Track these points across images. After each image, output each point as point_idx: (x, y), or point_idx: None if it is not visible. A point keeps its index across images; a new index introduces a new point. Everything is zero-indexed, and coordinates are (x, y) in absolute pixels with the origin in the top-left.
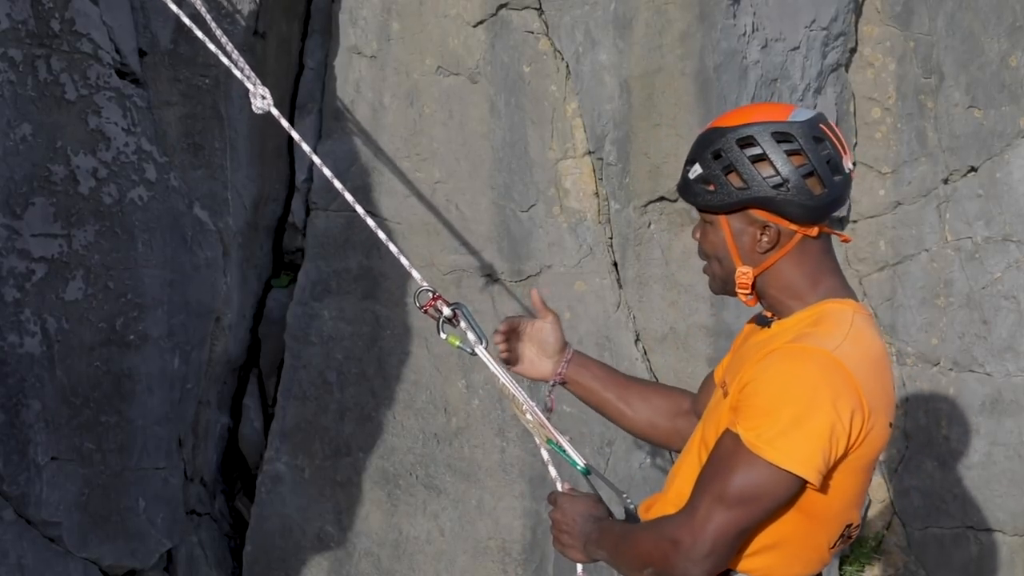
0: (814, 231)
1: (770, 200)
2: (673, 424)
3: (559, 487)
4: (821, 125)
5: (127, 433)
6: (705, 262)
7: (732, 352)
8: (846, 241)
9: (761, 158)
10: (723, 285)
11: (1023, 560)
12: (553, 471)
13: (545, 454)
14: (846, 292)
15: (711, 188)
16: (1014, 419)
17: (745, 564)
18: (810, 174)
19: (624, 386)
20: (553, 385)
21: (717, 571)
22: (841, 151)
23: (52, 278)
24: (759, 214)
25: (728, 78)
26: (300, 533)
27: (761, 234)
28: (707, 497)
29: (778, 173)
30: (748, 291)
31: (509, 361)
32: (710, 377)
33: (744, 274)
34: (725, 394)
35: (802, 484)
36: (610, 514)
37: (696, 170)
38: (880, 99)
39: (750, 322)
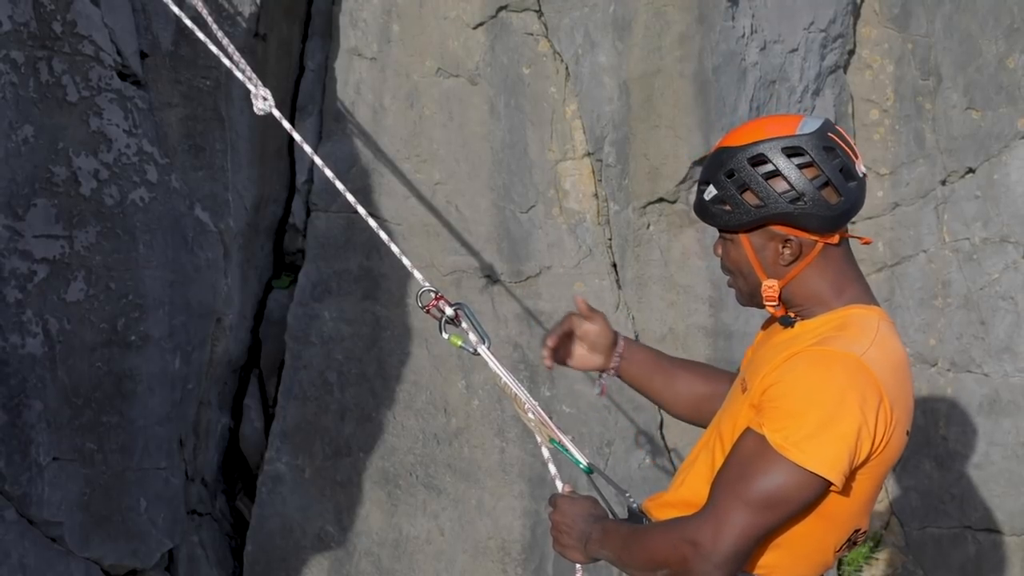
0: (835, 239)
1: (788, 215)
2: (715, 408)
3: (559, 487)
4: (830, 134)
5: (128, 433)
6: (728, 277)
7: (754, 348)
8: (867, 243)
9: (774, 174)
10: (750, 298)
11: (1021, 560)
12: (553, 469)
13: (545, 453)
14: (870, 299)
15: (727, 208)
16: (1012, 419)
17: (752, 562)
18: (825, 184)
19: (670, 373)
20: (601, 375)
21: (734, 572)
22: (852, 157)
23: (54, 279)
24: (778, 229)
25: (727, 80)
26: (301, 533)
27: (783, 248)
28: (730, 499)
29: (793, 188)
30: (776, 303)
31: (558, 359)
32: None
33: (770, 287)
34: (744, 389)
35: (826, 487)
36: (613, 514)
37: (711, 191)
38: (878, 101)
39: (771, 321)
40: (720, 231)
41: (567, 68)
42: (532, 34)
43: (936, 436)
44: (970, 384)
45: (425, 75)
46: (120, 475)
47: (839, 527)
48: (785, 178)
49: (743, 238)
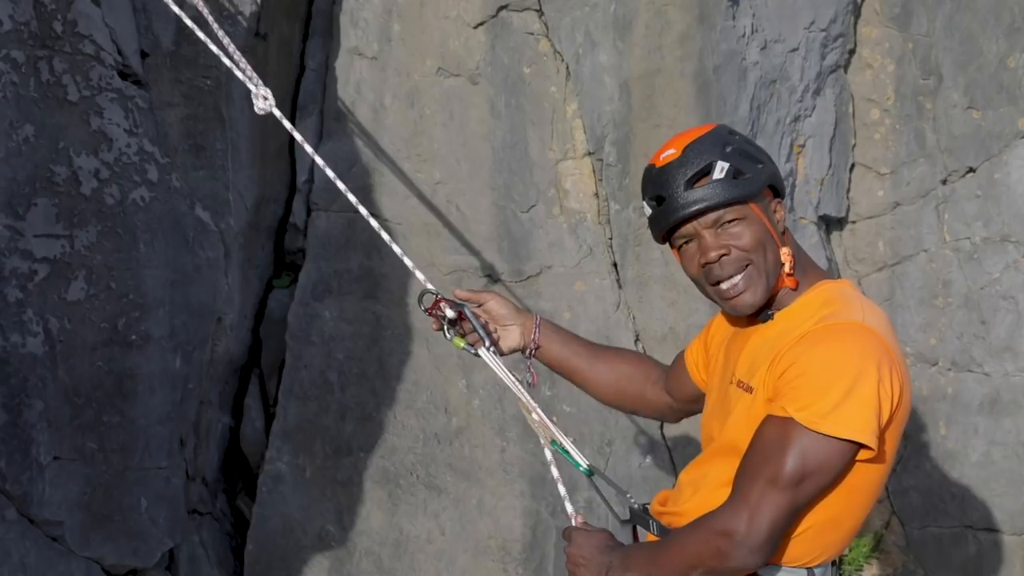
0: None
1: (775, 174)
2: (640, 391)
3: (561, 491)
4: None
5: (129, 433)
6: (737, 274)
7: (722, 346)
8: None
9: (748, 142)
10: (767, 281)
11: (1021, 559)
12: (555, 471)
13: (549, 455)
14: (826, 272)
15: (747, 176)
16: (1012, 419)
17: (783, 552)
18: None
19: (593, 354)
20: (529, 355)
21: (770, 557)
22: None
23: (54, 278)
24: (768, 193)
25: (727, 79)
26: (301, 532)
27: (775, 210)
28: (759, 483)
29: (761, 150)
30: (792, 271)
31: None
32: (680, 360)
33: (787, 253)
34: (748, 390)
35: (856, 452)
36: (615, 515)
37: (722, 167)
38: (879, 100)
39: (724, 316)
40: (733, 208)
41: (568, 68)
42: (533, 33)
43: (936, 436)
44: (971, 384)
45: (426, 74)
46: (121, 474)
47: (869, 497)
48: (753, 144)
49: (754, 207)
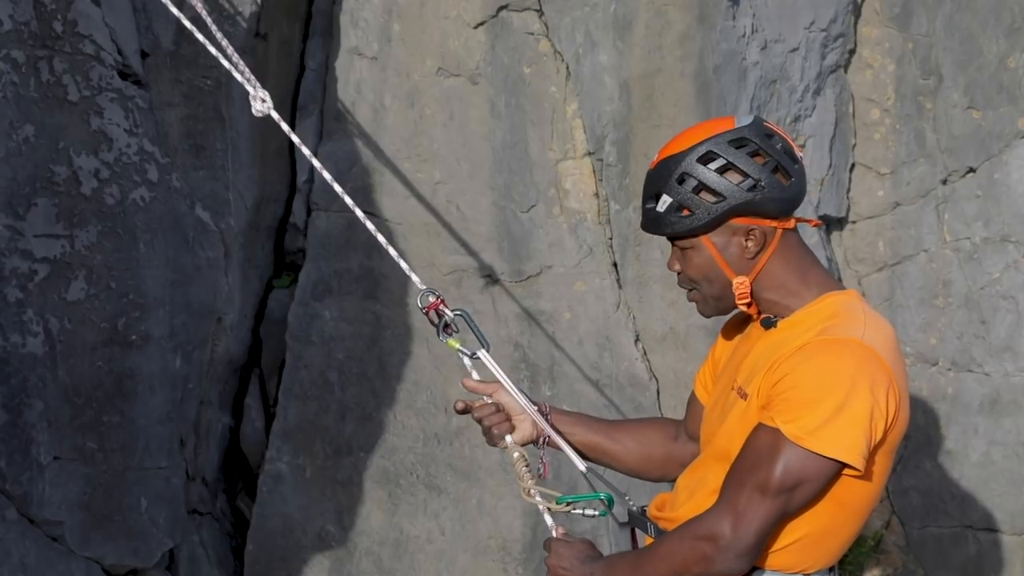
0: (792, 223)
1: (748, 203)
2: (667, 452)
3: (551, 530)
4: (766, 123)
5: (129, 433)
6: (691, 289)
7: (727, 357)
8: (816, 225)
9: (727, 167)
10: (716, 304)
11: (1021, 559)
12: (549, 520)
13: (549, 520)
14: (837, 283)
15: (685, 213)
16: (1012, 419)
17: (774, 560)
18: (775, 169)
19: (611, 427)
20: (543, 444)
21: (755, 562)
22: (790, 140)
23: (55, 278)
24: (740, 221)
25: (727, 79)
26: (301, 532)
27: (746, 240)
28: (746, 489)
29: (748, 176)
30: (748, 300)
31: (501, 433)
32: (692, 397)
33: (741, 283)
34: (743, 396)
35: (840, 470)
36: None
37: (665, 201)
38: (879, 100)
39: (728, 328)
40: (679, 240)
41: (568, 67)
42: (533, 33)
43: (936, 436)
44: (971, 384)
45: (426, 74)
46: (121, 474)
47: (861, 513)
48: (739, 168)
49: (705, 240)
